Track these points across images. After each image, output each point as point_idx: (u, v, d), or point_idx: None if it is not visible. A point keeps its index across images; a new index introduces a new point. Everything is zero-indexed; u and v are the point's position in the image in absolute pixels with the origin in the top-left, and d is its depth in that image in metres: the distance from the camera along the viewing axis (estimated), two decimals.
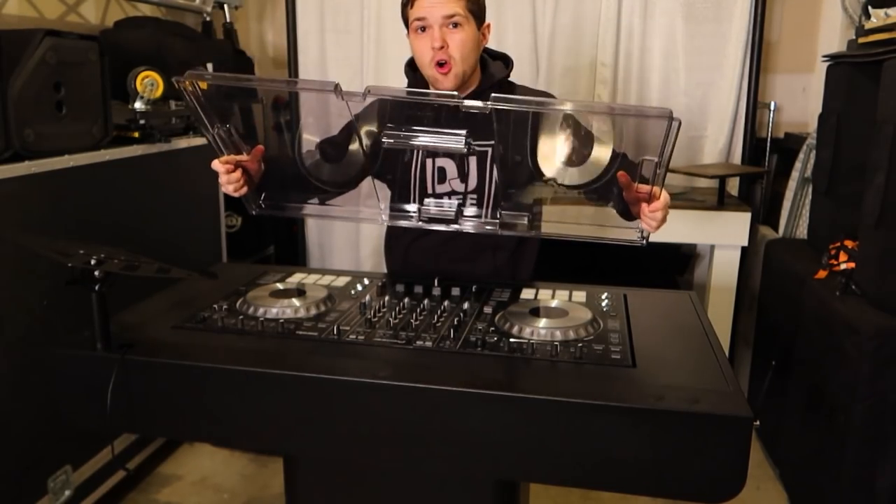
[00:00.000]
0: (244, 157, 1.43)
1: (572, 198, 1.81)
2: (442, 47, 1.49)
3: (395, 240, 1.78)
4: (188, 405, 1.24)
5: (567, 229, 1.45)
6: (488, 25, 1.59)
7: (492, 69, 1.62)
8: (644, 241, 1.41)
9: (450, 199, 1.62)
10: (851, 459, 1.82)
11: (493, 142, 1.59)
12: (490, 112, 1.58)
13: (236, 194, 1.46)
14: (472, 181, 1.61)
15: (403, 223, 1.54)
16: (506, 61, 1.66)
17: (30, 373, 1.81)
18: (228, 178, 1.42)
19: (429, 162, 1.61)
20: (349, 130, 1.66)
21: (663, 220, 1.35)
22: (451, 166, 1.61)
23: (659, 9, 2.85)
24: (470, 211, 1.55)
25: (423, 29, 1.50)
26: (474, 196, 1.61)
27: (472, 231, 1.50)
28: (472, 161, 1.60)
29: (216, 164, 1.41)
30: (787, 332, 2.29)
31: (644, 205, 1.33)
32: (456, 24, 1.48)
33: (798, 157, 2.67)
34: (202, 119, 1.37)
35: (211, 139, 1.40)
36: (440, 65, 1.51)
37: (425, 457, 1.15)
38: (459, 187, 1.62)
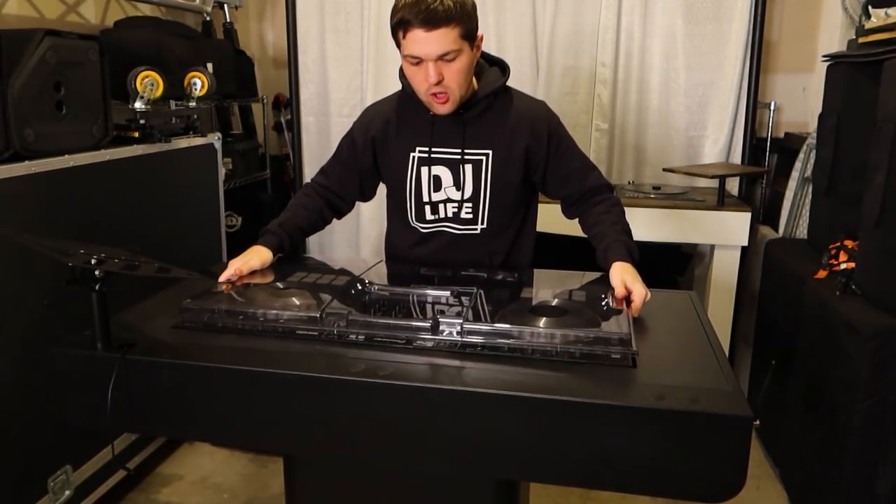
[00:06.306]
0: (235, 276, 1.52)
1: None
2: (439, 82, 1.45)
3: (394, 248, 1.77)
4: (188, 405, 1.24)
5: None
6: (481, 37, 1.52)
7: (489, 77, 1.58)
8: None
9: (445, 206, 1.62)
10: (851, 459, 1.82)
11: (488, 150, 1.59)
12: (485, 121, 1.58)
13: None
14: (468, 189, 1.60)
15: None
16: (502, 67, 1.62)
17: (30, 373, 1.81)
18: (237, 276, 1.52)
19: (424, 170, 1.61)
20: (352, 157, 1.69)
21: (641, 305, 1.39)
22: (446, 174, 1.60)
23: (659, 9, 2.85)
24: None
25: (418, 62, 1.45)
26: (469, 204, 1.61)
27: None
28: (468, 169, 1.59)
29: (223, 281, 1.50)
30: (787, 332, 2.29)
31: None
32: (451, 59, 1.44)
33: (798, 157, 2.67)
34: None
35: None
36: (437, 94, 1.48)
37: (425, 457, 1.15)
38: (455, 195, 1.61)
